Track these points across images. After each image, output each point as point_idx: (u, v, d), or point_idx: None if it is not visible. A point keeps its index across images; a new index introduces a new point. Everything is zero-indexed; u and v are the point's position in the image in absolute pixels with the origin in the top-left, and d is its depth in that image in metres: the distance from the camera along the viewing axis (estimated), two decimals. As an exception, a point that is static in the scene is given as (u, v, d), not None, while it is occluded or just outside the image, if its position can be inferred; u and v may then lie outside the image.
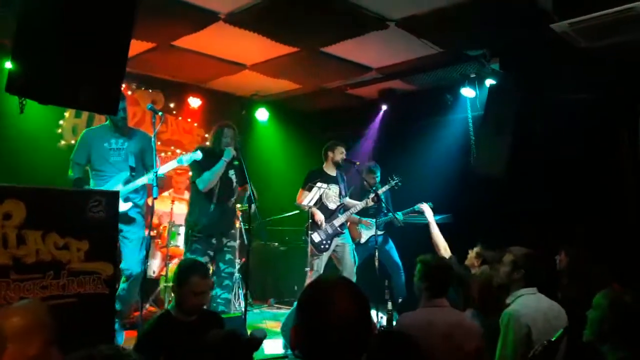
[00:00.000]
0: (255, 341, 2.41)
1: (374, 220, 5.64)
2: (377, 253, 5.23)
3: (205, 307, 3.00)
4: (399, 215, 5.54)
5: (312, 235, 5.21)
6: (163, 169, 4.44)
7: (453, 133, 6.24)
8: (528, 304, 2.86)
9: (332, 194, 5.44)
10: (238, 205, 5.51)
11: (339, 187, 5.53)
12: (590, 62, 4.50)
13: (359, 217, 5.85)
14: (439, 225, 5.89)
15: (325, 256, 5.29)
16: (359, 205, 5.48)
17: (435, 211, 5.87)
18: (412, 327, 2.74)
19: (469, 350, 2.70)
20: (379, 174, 5.92)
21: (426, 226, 5.56)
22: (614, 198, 4.83)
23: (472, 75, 5.70)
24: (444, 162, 6.20)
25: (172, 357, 2.55)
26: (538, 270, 3.00)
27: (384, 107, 7.05)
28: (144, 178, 4.44)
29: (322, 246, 5.25)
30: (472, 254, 4.14)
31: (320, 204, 5.34)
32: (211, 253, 4.60)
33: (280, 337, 4.47)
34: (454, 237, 5.46)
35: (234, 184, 4.72)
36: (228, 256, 4.71)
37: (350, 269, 5.31)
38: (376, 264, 5.16)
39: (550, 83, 5.00)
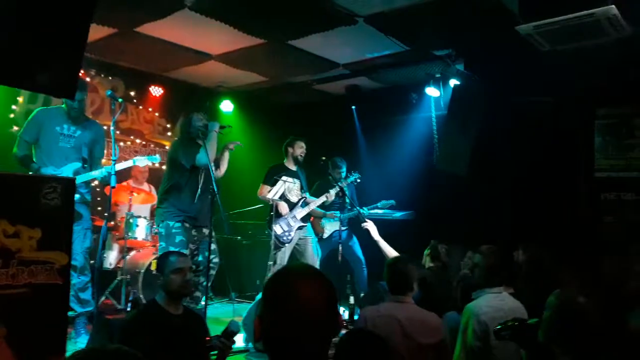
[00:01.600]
0: (232, 333, 2.65)
1: (338, 212, 5.71)
2: (340, 248, 5.27)
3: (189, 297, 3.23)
4: (364, 211, 5.59)
5: (275, 227, 5.21)
6: (118, 167, 4.31)
7: (417, 131, 6.32)
8: (491, 303, 2.88)
9: (294, 188, 5.49)
10: None
11: (300, 182, 5.57)
12: (552, 65, 4.61)
13: (323, 211, 5.86)
14: (403, 221, 6.00)
15: (288, 249, 5.29)
16: (319, 200, 5.51)
17: (399, 208, 5.97)
18: (373, 318, 2.77)
19: (431, 343, 2.74)
20: (344, 169, 5.94)
21: (390, 222, 5.64)
22: (570, 198, 4.98)
23: (437, 75, 5.78)
24: (407, 159, 6.29)
25: (156, 345, 2.53)
26: (504, 271, 3.03)
27: (354, 107, 7.06)
28: (95, 172, 4.38)
29: (285, 237, 5.26)
30: (427, 252, 4.24)
31: (282, 197, 5.34)
32: (192, 246, 4.56)
33: (242, 331, 4.41)
34: (416, 233, 5.54)
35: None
36: (213, 246, 4.61)
37: (312, 262, 5.32)
38: (339, 258, 5.19)
39: (514, 85, 5.11)
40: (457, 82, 5.45)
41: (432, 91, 5.84)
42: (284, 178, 5.30)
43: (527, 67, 4.77)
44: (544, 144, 5.14)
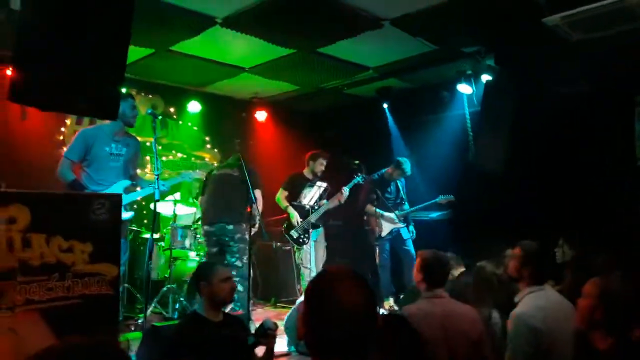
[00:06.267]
0: (266, 330, 2.69)
1: (393, 214, 5.93)
2: (388, 246, 5.64)
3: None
4: (402, 211, 5.77)
5: (291, 232, 5.64)
6: (167, 183, 4.71)
7: (451, 130, 6.29)
8: (536, 303, 2.78)
9: (310, 195, 5.80)
10: None
11: (316, 190, 5.87)
12: (585, 55, 4.53)
13: (381, 211, 5.99)
14: (440, 221, 6.02)
15: (310, 249, 5.57)
16: (332, 202, 5.74)
17: (435, 208, 5.99)
18: (413, 316, 2.80)
19: (472, 336, 2.75)
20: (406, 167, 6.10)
21: (426, 222, 5.69)
22: (612, 189, 4.86)
23: (468, 72, 5.74)
24: (442, 159, 6.26)
25: (203, 355, 2.64)
26: (546, 266, 2.97)
27: (385, 105, 7.09)
28: (144, 190, 4.61)
29: (301, 240, 5.62)
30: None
31: (300, 203, 5.76)
32: None
33: (284, 334, 4.51)
34: (453, 232, 5.53)
35: None
36: None
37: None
38: (377, 259, 5.26)
39: (546, 77, 5.03)
40: (489, 78, 5.42)
41: (464, 88, 5.81)
42: (318, 184, 5.59)
43: (558, 58, 4.70)
44: (582, 135, 5.04)
